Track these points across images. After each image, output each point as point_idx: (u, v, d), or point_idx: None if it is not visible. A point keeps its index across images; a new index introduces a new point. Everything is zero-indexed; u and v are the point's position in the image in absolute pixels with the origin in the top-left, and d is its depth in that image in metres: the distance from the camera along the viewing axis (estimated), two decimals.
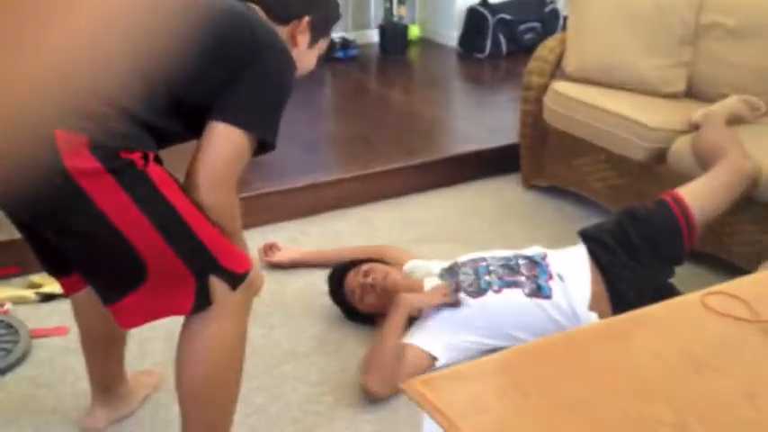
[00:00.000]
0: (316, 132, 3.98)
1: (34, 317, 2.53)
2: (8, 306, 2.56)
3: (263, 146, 1.66)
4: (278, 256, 2.89)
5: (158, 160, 1.59)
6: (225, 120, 1.59)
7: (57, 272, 1.83)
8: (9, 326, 2.44)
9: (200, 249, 1.60)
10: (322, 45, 1.88)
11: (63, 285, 1.88)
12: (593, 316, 2.37)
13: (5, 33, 0.49)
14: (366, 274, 2.52)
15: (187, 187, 1.60)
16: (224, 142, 1.59)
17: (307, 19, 1.80)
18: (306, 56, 1.83)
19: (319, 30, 1.84)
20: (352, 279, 2.54)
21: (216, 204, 1.61)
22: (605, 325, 1.64)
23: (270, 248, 2.91)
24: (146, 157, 1.54)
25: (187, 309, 1.62)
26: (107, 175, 1.47)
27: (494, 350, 2.38)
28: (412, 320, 2.43)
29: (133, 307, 1.60)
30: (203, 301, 1.62)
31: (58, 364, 2.34)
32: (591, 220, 3.17)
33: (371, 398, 2.21)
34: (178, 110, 1.61)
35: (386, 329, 2.29)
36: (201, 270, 1.60)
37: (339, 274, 2.60)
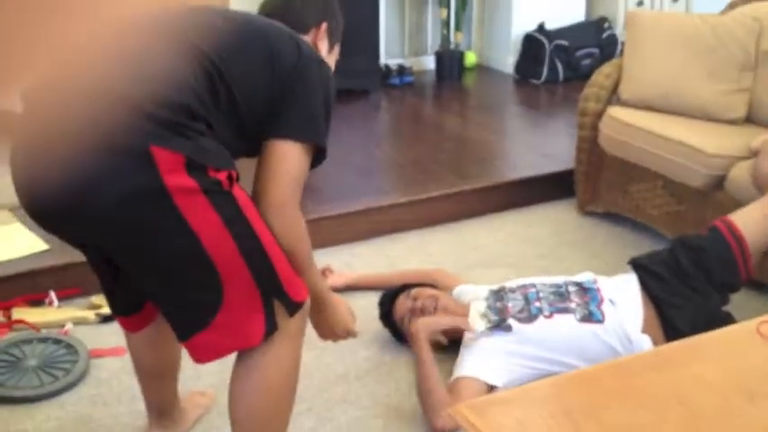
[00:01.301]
0: (370, 157, 4.02)
1: (93, 337, 2.59)
2: (69, 326, 2.62)
3: (316, 157, 1.68)
4: (332, 281, 2.91)
5: (238, 179, 1.62)
6: (285, 136, 1.61)
7: (121, 310, 1.86)
8: (69, 346, 2.50)
9: (272, 274, 1.62)
10: (337, 50, 1.91)
11: (123, 324, 1.90)
12: (647, 339, 2.34)
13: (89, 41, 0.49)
14: (415, 298, 2.53)
15: (266, 212, 1.62)
16: (288, 159, 1.61)
17: (325, 25, 1.84)
18: (329, 58, 1.86)
19: (335, 34, 1.88)
20: (402, 303, 2.55)
21: (289, 224, 1.64)
22: (657, 353, 1.62)
23: (323, 272, 2.93)
24: (230, 178, 1.57)
25: (259, 337, 1.62)
26: (201, 194, 1.49)
27: (546, 376, 2.36)
28: (456, 346, 2.42)
29: (207, 341, 1.60)
30: (272, 326, 1.62)
31: (115, 384, 2.39)
32: (647, 246, 3.13)
33: None
34: (241, 126, 1.62)
35: (419, 368, 2.30)
36: (269, 295, 1.61)
37: (389, 298, 2.62)
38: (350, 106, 4.68)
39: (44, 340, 2.53)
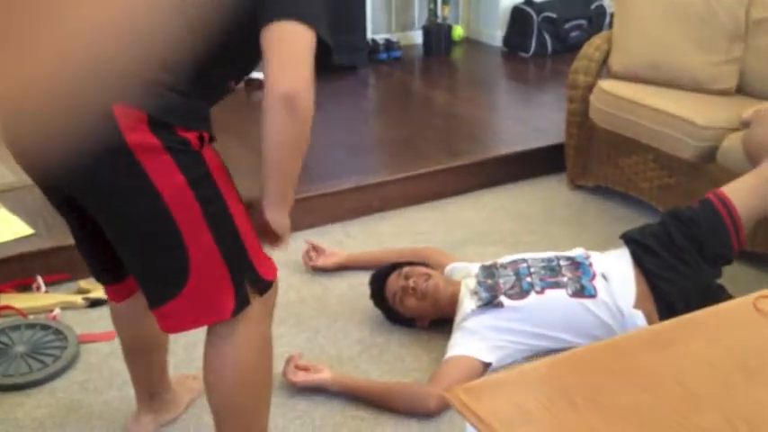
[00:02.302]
0: (359, 134, 3.98)
1: (82, 322, 2.56)
2: (57, 311, 2.59)
3: (320, 53, 1.53)
4: (322, 261, 2.88)
5: (212, 141, 1.58)
6: (275, 16, 1.47)
7: (105, 276, 1.83)
8: (58, 331, 2.47)
9: (241, 249, 1.59)
10: None
11: (109, 292, 1.88)
12: (639, 314, 2.33)
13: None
14: (407, 276, 2.51)
15: (276, 107, 1.47)
16: (288, 40, 1.47)
17: None
18: None
19: None
20: (394, 282, 2.53)
21: (300, 120, 1.49)
22: (652, 331, 1.60)
23: (313, 250, 2.90)
24: (201, 139, 1.53)
25: (228, 311, 1.60)
26: (165, 152, 1.46)
27: (539, 351, 2.35)
28: (450, 325, 2.41)
29: (177, 310, 1.59)
30: (243, 301, 1.60)
31: (105, 369, 2.36)
32: (638, 220, 3.11)
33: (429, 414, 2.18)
34: (215, 41, 1.52)
35: (366, 397, 2.22)
36: (239, 270, 1.59)
37: (380, 277, 2.60)
38: (337, 82, 4.63)
39: (32, 326, 2.49)
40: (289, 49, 1.47)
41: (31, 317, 2.57)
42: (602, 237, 3.03)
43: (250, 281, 1.61)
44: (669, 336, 1.45)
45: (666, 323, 1.52)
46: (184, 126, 1.50)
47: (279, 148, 1.52)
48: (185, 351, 2.38)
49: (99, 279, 1.85)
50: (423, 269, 2.57)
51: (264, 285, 1.65)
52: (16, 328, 2.48)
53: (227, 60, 1.62)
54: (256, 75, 3.45)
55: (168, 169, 1.47)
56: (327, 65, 1.60)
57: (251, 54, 1.57)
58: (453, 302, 2.47)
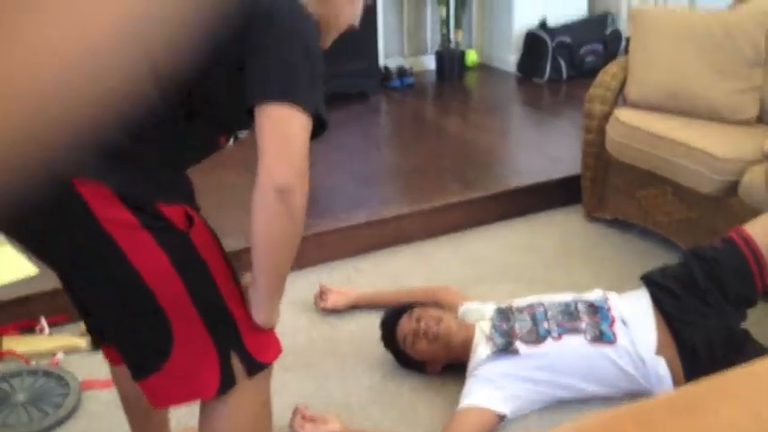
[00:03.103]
0: (371, 165, 3.91)
1: (85, 366, 2.49)
2: (60, 356, 2.53)
3: (316, 127, 1.45)
4: (332, 302, 2.80)
5: (197, 209, 1.51)
6: (262, 98, 1.39)
7: (95, 337, 1.77)
8: (60, 378, 2.41)
9: (231, 327, 1.50)
10: None
11: (105, 355, 1.81)
12: (661, 361, 2.24)
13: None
14: (418, 319, 2.43)
15: (269, 200, 1.38)
16: (288, 124, 1.39)
17: None
18: (348, 5, 1.63)
19: None
20: (405, 325, 2.45)
21: (292, 213, 1.40)
22: (681, 395, 1.50)
23: (323, 294, 2.82)
24: (188, 217, 1.45)
25: (212, 391, 1.51)
26: (142, 230, 1.38)
27: (556, 400, 2.26)
28: (459, 367, 2.33)
29: (160, 385, 1.51)
30: (228, 381, 1.52)
31: (107, 418, 2.29)
32: (658, 255, 3.02)
33: None
34: (194, 105, 1.46)
35: None
36: (225, 347, 1.50)
37: (391, 319, 2.51)
38: (348, 110, 4.57)
39: (34, 373, 2.43)
40: (285, 139, 1.39)
41: (33, 362, 2.51)
42: (621, 273, 2.94)
43: (240, 360, 1.52)
44: (698, 400, 1.36)
45: (694, 385, 1.43)
46: (163, 200, 1.41)
47: (269, 242, 1.43)
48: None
49: (91, 340, 1.78)
50: (434, 311, 2.48)
51: (255, 366, 1.54)
52: (18, 374, 2.42)
53: (206, 120, 1.53)
54: None
55: (147, 247, 1.38)
56: (322, 135, 1.50)
57: (238, 112, 1.46)
58: (467, 346, 2.38)
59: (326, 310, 2.79)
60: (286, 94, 1.40)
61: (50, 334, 2.64)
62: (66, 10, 0.43)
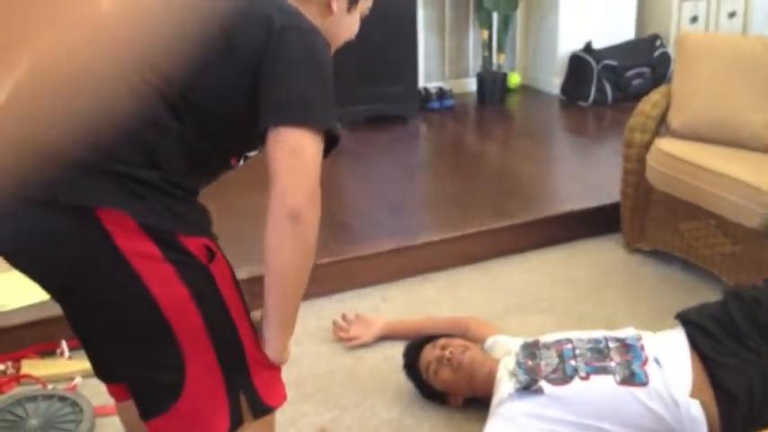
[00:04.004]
0: (404, 191, 3.82)
1: (102, 392, 2.44)
2: (77, 380, 2.50)
3: (327, 144, 1.45)
4: (360, 340, 2.71)
5: (215, 239, 1.47)
6: (275, 123, 1.39)
7: (102, 376, 1.72)
8: (74, 404, 2.37)
9: (244, 369, 1.47)
10: (364, 4, 1.64)
11: (109, 392, 1.76)
12: (696, 404, 2.11)
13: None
14: (443, 347, 2.36)
15: (283, 222, 1.38)
16: (300, 148, 1.39)
17: None
18: (346, 21, 1.62)
19: None
20: (428, 353, 2.38)
21: (305, 238, 1.41)
22: None
23: (344, 326, 2.74)
24: (209, 250, 1.42)
25: (224, 429, 1.47)
26: (165, 262, 1.35)
27: None
28: (482, 402, 2.23)
29: (167, 426, 1.47)
30: (236, 421, 1.47)
31: None
32: (699, 290, 2.89)
33: None
34: (207, 128, 1.44)
35: None
36: (236, 388, 1.47)
37: (415, 348, 2.45)
38: (385, 134, 4.51)
39: (49, 397, 2.39)
40: (298, 163, 1.39)
41: (50, 386, 2.48)
42: (660, 308, 2.79)
43: (248, 402, 1.48)
44: None
45: None
46: (185, 232, 1.38)
47: (283, 267, 1.43)
48: None
49: (99, 377, 1.73)
50: (460, 341, 2.40)
51: (262, 410, 1.50)
52: (33, 399, 2.39)
53: (221, 142, 1.50)
54: None
55: (169, 279, 1.36)
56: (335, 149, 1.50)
57: (251, 135, 1.45)
58: (490, 381, 2.29)
59: (352, 343, 2.70)
60: (300, 118, 1.40)
61: (70, 357, 2.62)
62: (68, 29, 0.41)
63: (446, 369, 2.32)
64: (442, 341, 2.40)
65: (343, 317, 2.77)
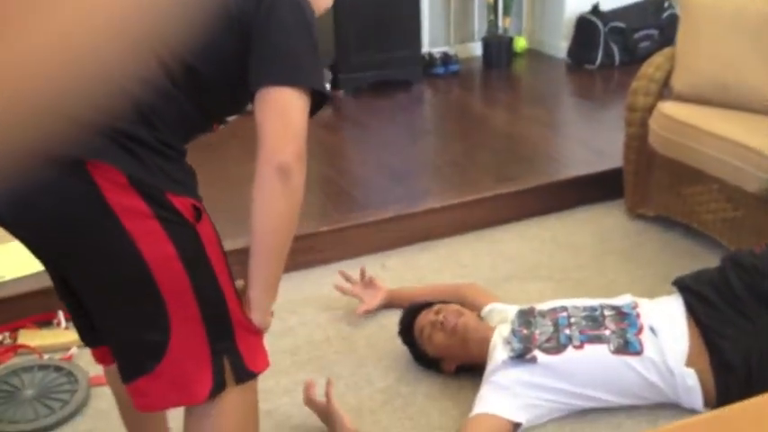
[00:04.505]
0: (406, 157, 3.79)
1: None
2: (73, 350, 2.50)
3: (315, 103, 1.49)
4: (368, 306, 2.69)
5: (200, 201, 1.47)
6: (267, 83, 1.43)
7: (87, 340, 1.72)
8: (70, 374, 2.38)
9: (229, 331, 1.47)
10: None
11: (94, 356, 1.77)
12: (691, 373, 2.09)
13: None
14: (437, 312, 2.35)
15: (271, 178, 1.41)
16: (289, 107, 1.43)
17: None
18: None
19: None
20: (423, 317, 2.38)
21: (289, 195, 1.44)
22: (718, 417, 1.37)
23: (367, 282, 2.72)
24: (196, 210, 1.41)
25: (203, 396, 1.47)
26: (154, 219, 1.35)
27: (575, 411, 2.14)
28: (477, 371, 2.22)
29: (149, 387, 1.47)
30: (219, 384, 1.47)
31: (113, 416, 2.23)
32: (700, 255, 2.86)
33: None
34: (200, 91, 1.47)
35: None
36: (221, 353, 1.46)
37: (411, 313, 2.44)
38: (389, 100, 4.46)
39: (45, 367, 2.41)
40: (287, 121, 1.44)
41: (46, 356, 2.48)
42: (661, 274, 2.75)
43: (231, 366, 1.48)
44: (734, 425, 1.23)
45: (730, 409, 1.29)
46: (174, 191, 1.38)
47: (268, 223, 1.46)
48: None
49: (83, 341, 1.73)
50: (456, 306, 2.40)
51: (245, 374, 1.50)
52: (29, 369, 2.40)
53: (211, 107, 1.52)
54: None
55: (156, 236, 1.36)
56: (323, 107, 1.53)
57: (236, 97, 1.50)
58: (484, 347, 2.27)
59: (367, 313, 2.68)
60: (288, 78, 1.44)
61: (67, 328, 2.62)
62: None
63: (440, 334, 2.32)
64: (436, 306, 2.39)
65: (349, 278, 2.74)
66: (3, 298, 2.65)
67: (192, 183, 1.47)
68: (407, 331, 2.42)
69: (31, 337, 2.55)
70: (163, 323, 1.41)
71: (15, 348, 2.51)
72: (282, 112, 1.43)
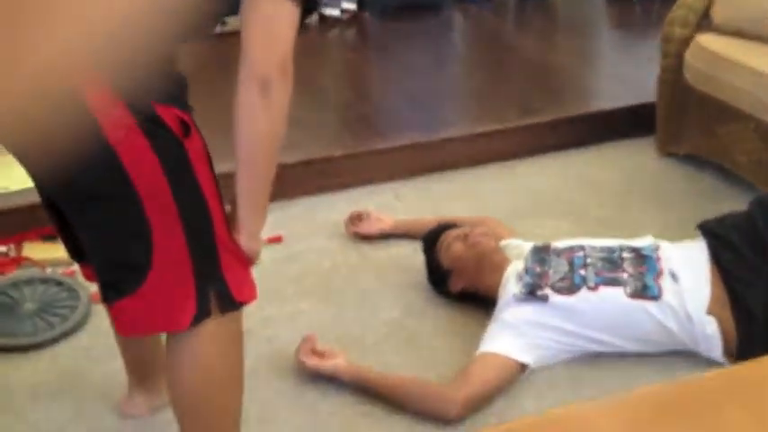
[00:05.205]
0: (429, 84, 3.63)
1: None
2: (76, 266, 2.45)
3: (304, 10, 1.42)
4: (365, 227, 2.62)
5: (190, 111, 1.40)
6: None
7: (73, 254, 1.66)
8: (71, 289, 2.33)
9: (213, 254, 1.41)
10: None
11: (82, 272, 1.71)
12: (712, 321, 2.00)
13: None
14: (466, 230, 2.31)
15: (253, 89, 1.36)
16: (276, 16, 1.36)
17: None
18: None
19: None
20: (450, 233, 2.32)
21: (275, 109, 1.38)
22: (737, 371, 1.27)
23: (358, 218, 2.64)
24: (183, 124, 1.35)
25: (186, 322, 1.42)
26: (138, 132, 1.30)
27: (584, 353, 2.06)
28: (487, 304, 2.14)
29: (130, 309, 1.42)
30: (202, 312, 1.42)
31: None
32: (731, 198, 2.72)
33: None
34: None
35: (384, 392, 1.98)
36: (206, 278, 1.41)
37: (442, 227, 2.38)
38: (415, 24, 4.29)
39: (46, 281, 2.37)
40: (272, 32, 1.37)
41: (49, 269, 2.44)
42: (688, 215, 2.58)
43: (216, 294, 1.42)
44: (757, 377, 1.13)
45: (752, 365, 1.19)
46: (159, 100, 1.32)
47: (250, 137, 1.39)
48: None
49: (73, 258, 1.68)
50: (485, 229, 2.34)
51: (230, 304, 1.45)
52: (30, 282, 2.36)
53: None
54: None
55: (141, 150, 1.31)
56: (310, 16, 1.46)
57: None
58: (495, 277, 2.19)
59: (360, 235, 2.61)
60: None
61: None
62: None
63: (459, 244, 2.26)
64: (467, 228, 2.34)
65: (359, 214, 2.65)
66: (8, 209, 2.60)
67: (181, 92, 1.40)
68: (431, 241, 2.35)
69: (36, 250, 2.51)
70: (146, 243, 1.36)
71: (18, 261, 2.47)
72: (266, 22, 1.36)
